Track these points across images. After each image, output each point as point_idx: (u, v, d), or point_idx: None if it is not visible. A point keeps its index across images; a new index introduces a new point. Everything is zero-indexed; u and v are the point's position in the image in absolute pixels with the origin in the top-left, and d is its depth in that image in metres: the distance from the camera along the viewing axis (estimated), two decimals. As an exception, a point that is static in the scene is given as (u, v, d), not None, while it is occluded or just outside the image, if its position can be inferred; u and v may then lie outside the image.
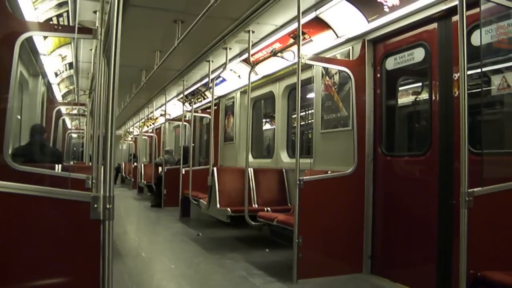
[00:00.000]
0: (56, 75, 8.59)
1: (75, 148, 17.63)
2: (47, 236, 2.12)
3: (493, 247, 2.80)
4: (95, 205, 1.99)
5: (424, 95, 4.46)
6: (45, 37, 6.08)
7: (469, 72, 3.46)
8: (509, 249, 2.80)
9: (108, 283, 1.99)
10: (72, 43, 6.58)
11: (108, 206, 1.99)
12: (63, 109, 11.08)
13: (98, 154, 3.20)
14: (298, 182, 4.22)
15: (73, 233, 2.10)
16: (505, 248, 2.80)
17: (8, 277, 2.03)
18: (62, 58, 7.41)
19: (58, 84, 9.38)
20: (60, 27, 4.94)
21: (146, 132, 16.29)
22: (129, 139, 20.42)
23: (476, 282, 2.57)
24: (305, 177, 4.32)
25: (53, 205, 2.08)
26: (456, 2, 2.84)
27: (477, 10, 3.27)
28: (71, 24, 5.48)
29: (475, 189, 2.69)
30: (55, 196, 2.05)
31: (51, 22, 5.40)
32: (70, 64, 8.05)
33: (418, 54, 4.27)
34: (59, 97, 10.63)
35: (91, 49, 6.53)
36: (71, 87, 10.02)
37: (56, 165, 5.17)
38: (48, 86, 9.26)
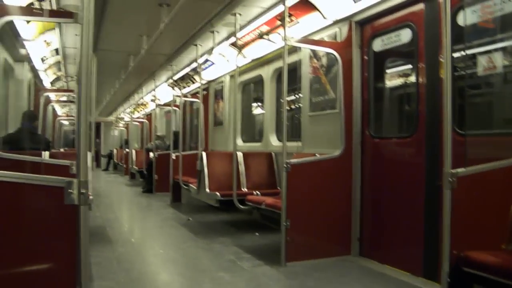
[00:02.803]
0: (43, 61, 8.47)
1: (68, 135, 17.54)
2: (24, 222, 2.10)
3: (477, 227, 2.80)
4: (69, 190, 1.96)
5: (411, 77, 4.44)
6: (28, 22, 5.97)
7: (455, 54, 3.44)
8: (493, 230, 2.80)
9: (84, 268, 1.97)
10: (57, 29, 6.48)
11: (82, 191, 1.96)
12: (53, 95, 10.94)
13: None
14: (285, 166, 4.21)
15: (49, 219, 2.08)
16: (488, 229, 2.80)
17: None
18: (47, 43, 7.29)
19: (45, 70, 9.26)
20: (41, 11, 4.84)
21: (138, 117, 16.18)
22: (121, 125, 20.29)
23: (458, 262, 2.57)
24: (292, 160, 4.31)
25: (29, 191, 2.05)
26: (441, -18, 2.80)
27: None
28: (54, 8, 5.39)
29: (458, 170, 2.68)
30: (29, 182, 2.02)
31: (32, 7, 5.29)
32: (57, 50, 7.95)
33: (405, 35, 4.23)
34: (47, 84, 10.52)
35: (76, 35, 6.44)
36: (59, 74, 9.91)
37: (43, 152, 5.14)
38: (35, 72, 9.14)
